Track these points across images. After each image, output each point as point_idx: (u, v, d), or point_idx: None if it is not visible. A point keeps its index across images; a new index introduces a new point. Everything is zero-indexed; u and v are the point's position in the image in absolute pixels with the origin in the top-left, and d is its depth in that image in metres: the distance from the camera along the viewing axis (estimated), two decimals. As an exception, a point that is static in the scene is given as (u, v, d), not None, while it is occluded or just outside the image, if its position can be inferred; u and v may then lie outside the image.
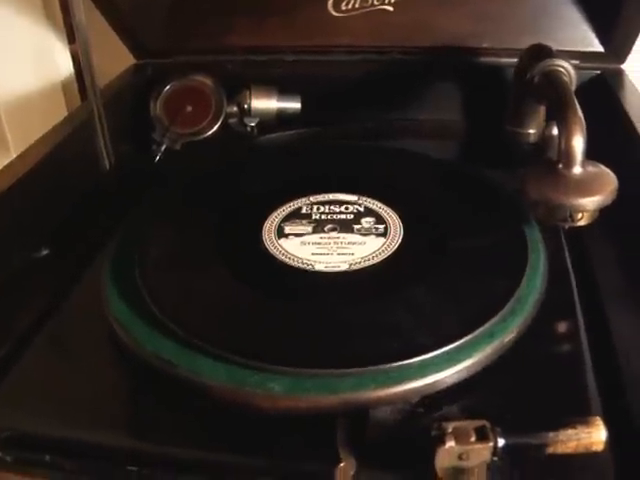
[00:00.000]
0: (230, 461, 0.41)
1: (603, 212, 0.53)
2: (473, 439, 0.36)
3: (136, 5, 0.82)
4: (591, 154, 0.54)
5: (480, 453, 0.36)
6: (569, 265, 0.54)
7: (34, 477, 0.42)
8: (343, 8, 0.78)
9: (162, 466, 0.41)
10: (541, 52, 0.64)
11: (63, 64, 1.04)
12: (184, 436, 0.43)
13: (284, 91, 0.80)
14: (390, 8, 0.77)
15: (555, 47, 0.68)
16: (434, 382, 0.43)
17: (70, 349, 0.52)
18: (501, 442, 0.37)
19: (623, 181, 0.52)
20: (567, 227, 0.53)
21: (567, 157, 0.51)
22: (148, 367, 0.46)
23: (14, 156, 0.68)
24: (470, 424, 0.37)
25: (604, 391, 0.44)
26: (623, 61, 0.77)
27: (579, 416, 0.38)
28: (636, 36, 0.73)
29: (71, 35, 1.01)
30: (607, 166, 0.53)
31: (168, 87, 0.79)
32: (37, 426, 0.44)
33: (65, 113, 1.02)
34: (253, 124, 0.80)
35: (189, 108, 0.79)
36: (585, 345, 0.47)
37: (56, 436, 0.43)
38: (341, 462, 0.38)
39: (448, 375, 0.43)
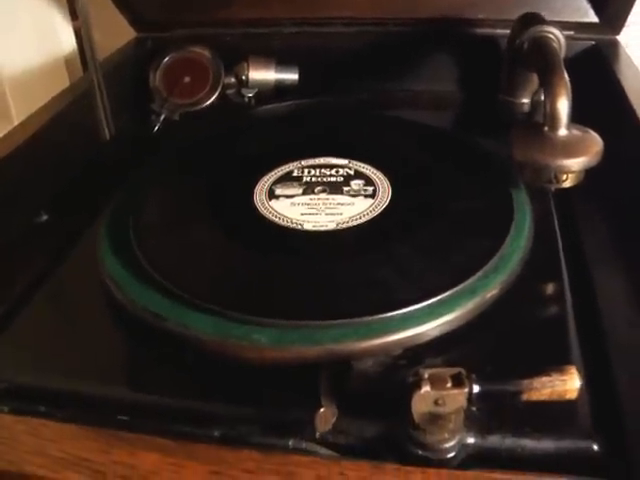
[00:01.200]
0: (217, 410, 0.42)
1: (594, 178, 0.53)
2: (449, 385, 0.37)
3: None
4: (584, 123, 0.55)
5: (455, 399, 0.37)
6: (556, 227, 0.55)
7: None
8: (341, -19, 0.78)
9: (152, 415, 0.42)
10: (531, 19, 0.64)
11: (66, 40, 1.05)
12: (173, 387, 0.44)
13: (282, 62, 0.81)
14: (387, -21, 0.78)
15: (550, 17, 0.68)
16: (416, 335, 0.44)
17: (67, 306, 0.53)
18: (476, 388, 0.37)
19: (614, 149, 0.53)
20: (553, 189, 0.54)
21: (552, 119, 0.52)
22: (140, 322, 0.47)
23: (18, 129, 0.69)
24: (446, 371, 0.38)
25: (586, 348, 0.45)
26: (618, 32, 0.77)
27: (556, 365, 0.39)
28: (631, 7, 0.73)
29: (74, 11, 1.02)
30: (600, 134, 0.54)
31: (167, 58, 0.80)
32: (33, 378, 0.45)
33: (68, 88, 1.03)
34: (251, 95, 0.81)
35: (187, 79, 0.80)
36: (569, 304, 0.48)
37: (51, 387, 0.45)
38: (321, 408, 0.39)
39: (430, 328, 0.44)
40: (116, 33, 0.89)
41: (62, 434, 0.36)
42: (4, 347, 0.48)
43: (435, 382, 0.37)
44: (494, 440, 0.39)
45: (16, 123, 1.03)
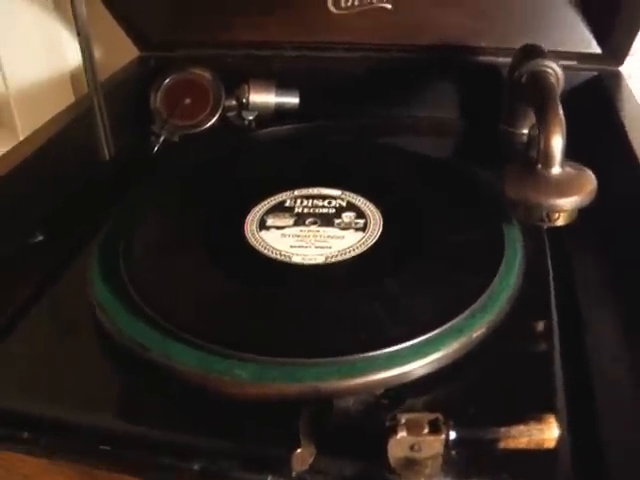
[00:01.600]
0: (198, 443, 0.42)
1: (589, 214, 0.53)
2: (425, 431, 0.37)
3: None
4: (582, 155, 0.55)
5: (432, 445, 0.37)
6: (549, 265, 0.55)
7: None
8: (343, 5, 0.78)
9: (134, 445, 0.42)
10: (531, 52, 0.64)
11: (72, 55, 1.06)
12: (157, 417, 0.44)
13: (283, 86, 0.81)
14: (389, 6, 0.77)
15: (553, 48, 0.68)
16: (399, 374, 0.43)
17: (55, 330, 0.53)
18: (452, 435, 0.37)
19: (611, 184, 0.53)
20: (545, 227, 0.53)
21: (545, 157, 0.51)
22: (126, 350, 0.47)
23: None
24: (424, 416, 0.38)
25: (573, 392, 0.44)
26: (621, 63, 0.77)
27: (543, 412, 0.39)
28: (634, 38, 0.73)
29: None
30: (596, 169, 0.53)
31: (168, 80, 0.80)
32: (18, 403, 0.45)
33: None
34: (251, 118, 0.81)
35: (188, 100, 0.80)
36: (557, 345, 0.48)
37: (35, 413, 0.44)
38: (299, 447, 0.39)
39: (414, 368, 0.44)
40: (119, 50, 0.90)
41: (36, 470, 0.36)
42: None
43: (412, 427, 0.37)
44: (471, 487, 0.38)
45: (21, 137, 1.05)
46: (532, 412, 0.39)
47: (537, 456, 0.39)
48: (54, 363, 0.49)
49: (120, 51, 0.90)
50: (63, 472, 0.36)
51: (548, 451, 0.38)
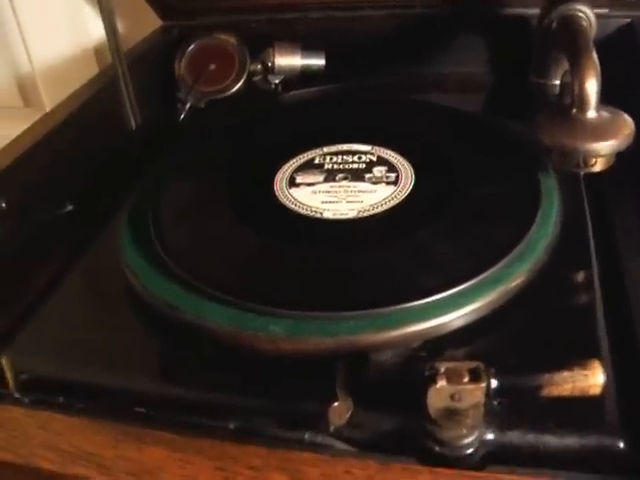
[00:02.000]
0: (232, 402, 0.42)
1: (627, 161, 0.51)
2: (466, 379, 0.36)
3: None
4: (617, 104, 0.53)
5: (472, 394, 0.36)
6: (587, 213, 0.53)
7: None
8: (367, -37, 0.77)
9: (168, 407, 0.42)
10: (561, -4, 0.62)
11: (95, 30, 1.05)
12: (190, 378, 0.44)
13: (308, 48, 0.80)
14: (413, -39, 0.76)
15: (584, -5, 0.66)
16: (437, 326, 0.42)
17: (88, 298, 0.54)
18: (494, 383, 0.36)
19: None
20: (582, 173, 0.52)
21: (580, 101, 0.50)
22: (158, 312, 0.47)
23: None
24: (464, 365, 0.37)
25: (616, 341, 0.43)
26: (655, 9, 0.74)
27: (580, 359, 0.38)
28: (669, -18, 0.71)
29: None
30: (632, 115, 0.51)
31: (192, 46, 0.80)
32: (52, 369, 0.46)
33: (99, 77, 1.03)
34: (277, 81, 0.80)
35: (213, 66, 0.79)
36: (598, 293, 0.46)
37: (69, 379, 0.45)
38: (335, 402, 0.38)
39: (451, 319, 0.43)
40: (142, 22, 0.89)
41: (71, 428, 0.36)
42: (25, 338, 0.48)
43: (451, 376, 0.36)
44: (515, 436, 0.37)
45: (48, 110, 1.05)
46: (573, 359, 0.38)
47: (582, 403, 0.38)
48: (88, 329, 0.49)
49: (142, 23, 0.89)
50: (97, 430, 0.36)
51: (593, 398, 0.38)
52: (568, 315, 0.45)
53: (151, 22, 0.90)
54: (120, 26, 0.75)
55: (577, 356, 0.39)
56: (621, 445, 0.36)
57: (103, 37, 1.04)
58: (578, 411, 0.38)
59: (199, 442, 0.34)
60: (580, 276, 0.48)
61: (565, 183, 0.54)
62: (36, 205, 0.61)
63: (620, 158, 0.51)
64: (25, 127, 1.05)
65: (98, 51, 1.07)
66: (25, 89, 1.09)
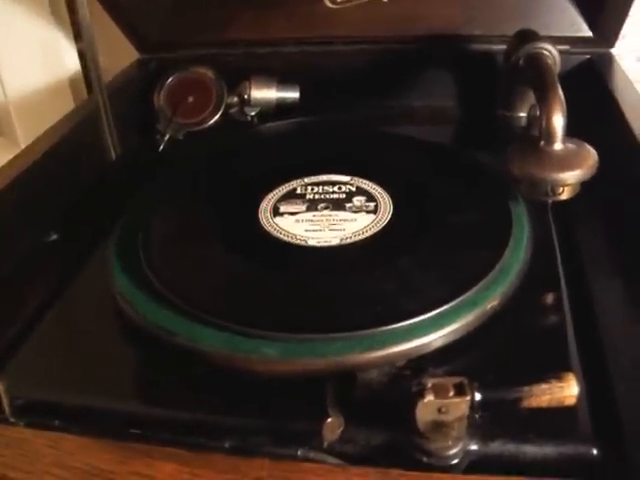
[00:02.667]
0: (227, 422, 0.43)
1: (590, 190, 0.55)
2: (451, 393, 0.39)
3: (139, 1, 0.84)
4: (579, 135, 0.56)
5: (458, 407, 0.39)
6: (554, 238, 0.57)
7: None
8: (339, 0, 0.80)
9: (164, 428, 0.43)
10: (527, 36, 0.66)
11: (70, 61, 1.07)
12: (184, 400, 0.46)
13: (283, 81, 0.83)
14: (384, -1, 0.79)
15: (545, 33, 0.70)
16: (419, 346, 0.45)
17: (78, 323, 0.55)
18: (478, 396, 0.39)
19: (610, 162, 0.54)
20: (550, 201, 0.55)
21: (548, 134, 0.53)
22: (150, 337, 0.48)
23: (23, 150, 0.70)
24: (449, 380, 0.39)
25: (585, 357, 0.46)
26: (612, 45, 0.79)
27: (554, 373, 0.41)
28: (624, 21, 0.75)
29: (78, 33, 1.04)
30: (596, 147, 0.55)
31: (170, 79, 0.82)
32: (48, 394, 0.47)
33: (73, 109, 1.05)
34: (253, 113, 0.82)
35: (191, 99, 0.81)
36: (567, 313, 0.50)
37: (65, 403, 0.46)
38: (328, 419, 0.40)
39: (432, 339, 0.45)
40: (118, 54, 0.91)
41: (80, 447, 0.38)
42: (19, 364, 0.49)
43: (438, 391, 0.39)
44: (496, 446, 0.40)
45: (22, 144, 1.06)
46: (543, 373, 0.41)
47: (558, 415, 0.40)
48: (80, 354, 0.51)
49: (117, 55, 0.91)
50: (106, 448, 0.37)
51: (568, 409, 0.40)
52: (541, 334, 0.48)
53: (126, 54, 0.92)
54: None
55: (550, 371, 0.42)
56: (594, 452, 0.39)
57: (78, 69, 1.07)
58: (554, 422, 0.41)
59: (206, 456, 0.36)
60: (550, 298, 0.51)
61: (533, 211, 0.57)
62: (21, 234, 0.62)
63: (584, 186, 0.54)
64: (-4, 156, 1.07)
65: (73, 82, 1.08)
66: (-3, 118, 1.11)
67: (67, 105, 1.07)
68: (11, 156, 0.71)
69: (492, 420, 0.40)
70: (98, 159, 0.76)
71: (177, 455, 0.36)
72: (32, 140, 0.72)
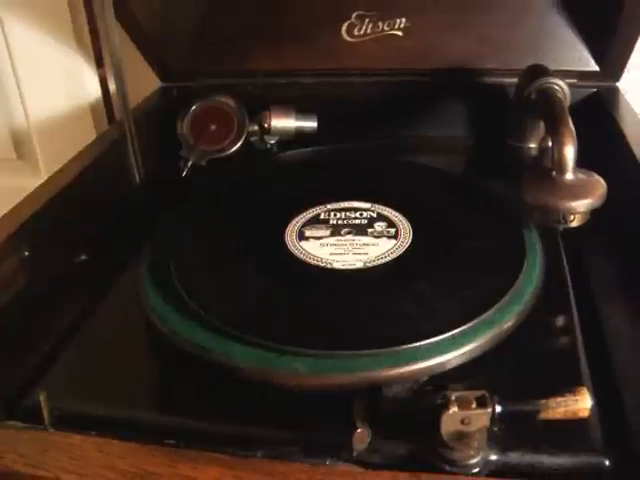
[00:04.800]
0: (260, 434, 0.46)
1: (598, 218, 0.58)
2: (474, 405, 0.42)
3: (163, 31, 0.88)
4: (587, 166, 0.60)
5: (480, 418, 0.42)
6: (565, 263, 0.60)
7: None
8: (356, 34, 0.84)
9: (197, 440, 0.45)
10: (538, 71, 0.70)
11: (91, 87, 1.10)
12: (217, 412, 0.49)
13: (302, 111, 0.86)
14: (400, 33, 0.83)
15: (553, 67, 0.74)
16: (440, 363, 0.48)
17: (111, 339, 0.57)
18: (498, 408, 0.42)
19: (617, 191, 0.58)
20: (561, 228, 0.58)
21: (560, 165, 0.57)
22: (183, 353, 0.51)
23: (44, 175, 0.73)
24: (471, 393, 0.42)
25: (595, 374, 0.49)
26: (618, 79, 0.83)
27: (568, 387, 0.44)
28: (629, 55, 0.79)
29: (99, 59, 1.08)
30: (603, 178, 0.58)
31: (194, 107, 0.85)
32: (84, 406, 0.49)
33: (94, 136, 1.07)
34: (273, 142, 0.86)
35: (213, 127, 0.84)
36: (578, 331, 0.53)
37: (101, 415, 0.48)
38: (357, 429, 0.43)
39: (452, 357, 0.48)
40: (140, 82, 0.94)
41: (127, 451, 0.40)
42: (55, 378, 0.52)
43: (461, 403, 0.42)
44: (514, 456, 0.43)
45: (42, 169, 1.09)
46: (558, 388, 0.44)
47: (571, 428, 0.43)
48: (113, 369, 0.53)
49: (139, 83, 0.94)
50: (152, 453, 0.40)
51: (580, 422, 0.43)
52: (553, 352, 0.52)
53: (147, 83, 0.96)
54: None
55: (563, 386, 0.45)
56: (606, 463, 0.42)
57: (99, 95, 1.10)
58: (568, 434, 0.43)
59: (249, 461, 0.39)
60: (562, 319, 0.54)
61: (544, 237, 0.61)
62: (53, 254, 0.65)
63: (593, 214, 0.58)
64: (16, 179, 1.10)
65: (94, 108, 1.12)
66: (19, 142, 1.14)
67: (88, 131, 1.11)
68: (32, 179, 0.74)
69: (510, 432, 0.43)
70: (124, 183, 0.80)
71: (221, 460, 0.39)
72: (53, 165, 0.74)
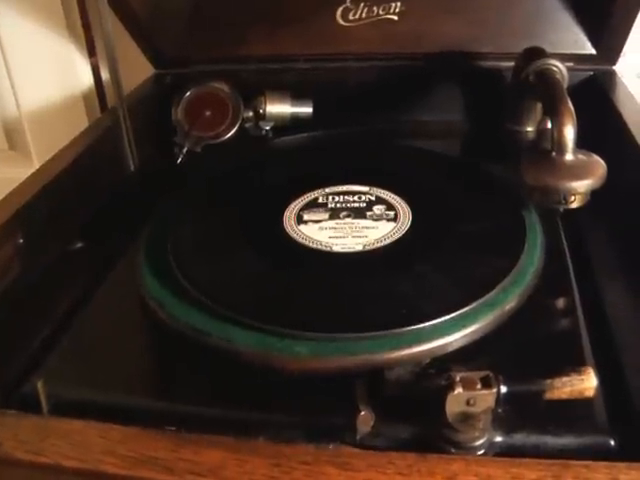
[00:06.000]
0: (261, 418, 0.46)
1: (596, 198, 0.58)
2: (479, 386, 0.41)
3: (156, 18, 0.87)
4: (584, 148, 0.59)
5: (485, 399, 0.41)
6: (564, 244, 0.60)
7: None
8: (351, 18, 0.83)
9: (199, 425, 0.45)
10: (535, 53, 0.69)
11: (84, 76, 1.09)
12: (217, 397, 0.48)
13: (297, 96, 0.86)
14: (395, 17, 0.82)
15: (549, 50, 0.73)
16: (442, 345, 0.48)
17: (108, 326, 0.56)
18: (503, 389, 0.41)
19: (615, 173, 0.57)
20: (562, 209, 0.58)
21: (559, 145, 0.56)
22: (182, 338, 0.51)
23: (37, 166, 0.72)
24: (476, 374, 0.42)
25: (597, 352, 0.49)
26: (614, 62, 0.82)
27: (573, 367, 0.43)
28: (626, 39, 0.78)
29: (91, 49, 1.07)
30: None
31: (188, 93, 0.84)
32: (81, 393, 0.49)
33: (86, 124, 1.07)
34: (268, 128, 0.85)
35: (208, 113, 0.84)
36: (579, 312, 0.53)
37: (98, 401, 0.48)
38: (360, 413, 0.43)
39: (455, 339, 0.48)
40: (133, 69, 0.93)
41: (129, 436, 0.40)
42: (51, 365, 0.51)
43: (466, 384, 0.41)
44: (519, 437, 0.43)
45: (34, 159, 1.08)
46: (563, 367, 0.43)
47: (575, 407, 0.43)
48: (112, 355, 0.53)
49: (133, 70, 0.94)
50: (155, 437, 0.39)
51: (584, 402, 0.43)
52: (556, 333, 0.52)
53: (141, 70, 0.95)
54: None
55: (567, 366, 0.44)
56: (612, 443, 0.42)
57: (91, 83, 1.09)
58: (573, 414, 0.43)
59: (252, 444, 0.39)
60: (563, 299, 0.54)
61: (544, 218, 0.60)
62: (48, 242, 0.64)
63: (591, 194, 0.57)
64: (8, 169, 1.09)
65: (86, 97, 1.11)
66: (11, 132, 1.13)
67: (80, 119, 1.10)
68: (24, 169, 0.73)
69: (515, 413, 0.43)
70: (118, 170, 0.79)
71: (224, 443, 0.38)
72: (45, 154, 0.73)
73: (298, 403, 0.46)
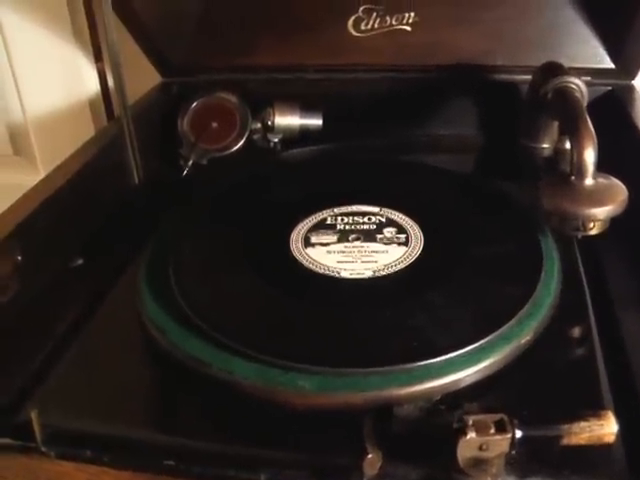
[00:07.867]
0: (263, 455, 0.44)
1: (615, 222, 0.55)
2: (492, 431, 0.39)
3: (163, 25, 0.85)
4: (602, 167, 0.57)
5: (499, 444, 0.39)
6: (582, 272, 0.57)
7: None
8: (362, 28, 0.81)
9: (198, 460, 0.43)
10: (554, 69, 0.67)
11: (90, 82, 1.08)
12: (217, 431, 0.46)
13: (306, 108, 0.83)
14: (408, 28, 0.80)
15: (567, 64, 0.71)
16: (454, 381, 0.45)
17: (106, 351, 0.54)
18: (519, 434, 0.39)
19: (634, 193, 0.55)
20: (580, 236, 0.55)
21: (579, 169, 0.54)
22: (182, 367, 0.49)
23: (41, 172, 0.71)
24: (490, 417, 0.40)
25: (616, 390, 0.47)
26: (634, 77, 0.80)
27: (592, 410, 0.41)
28: (646, 53, 0.76)
29: (98, 54, 1.05)
30: (618, 179, 0.56)
31: (194, 104, 0.82)
32: (77, 423, 0.47)
33: (92, 131, 1.05)
34: (276, 140, 0.83)
35: (215, 124, 0.82)
36: (597, 346, 0.50)
37: (96, 432, 0.46)
38: (368, 454, 0.41)
39: (468, 375, 0.46)
40: (141, 77, 0.91)
41: (121, 480, 0.38)
42: (49, 393, 0.49)
43: (479, 428, 0.39)
44: (533, 483, 0.40)
45: (39, 165, 1.07)
46: (580, 409, 0.41)
47: (592, 451, 0.41)
48: (110, 383, 0.50)
49: (140, 79, 0.92)
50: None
51: (602, 446, 0.41)
52: (572, 368, 0.49)
53: (148, 78, 0.93)
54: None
55: (583, 406, 0.42)
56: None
57: (98, 90, 1.08)
58: (590, 459, 0.41)
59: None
60: (580, 332, 0.52)
61: (560, 242, 0.58)
62: (47, 259, 0.62)
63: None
64: (13, 175, 1.08)
65: (92, 104, 1.09)
66: (16, 137, 1.11)
67: (86, 126, 1.08)
68: (29, 176, 0.71)
69: (529, 457, 0.41)
70: (121, 183, 0.77)
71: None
72: (50, 161, 0.72)
73: (302, 440, 0.44)
